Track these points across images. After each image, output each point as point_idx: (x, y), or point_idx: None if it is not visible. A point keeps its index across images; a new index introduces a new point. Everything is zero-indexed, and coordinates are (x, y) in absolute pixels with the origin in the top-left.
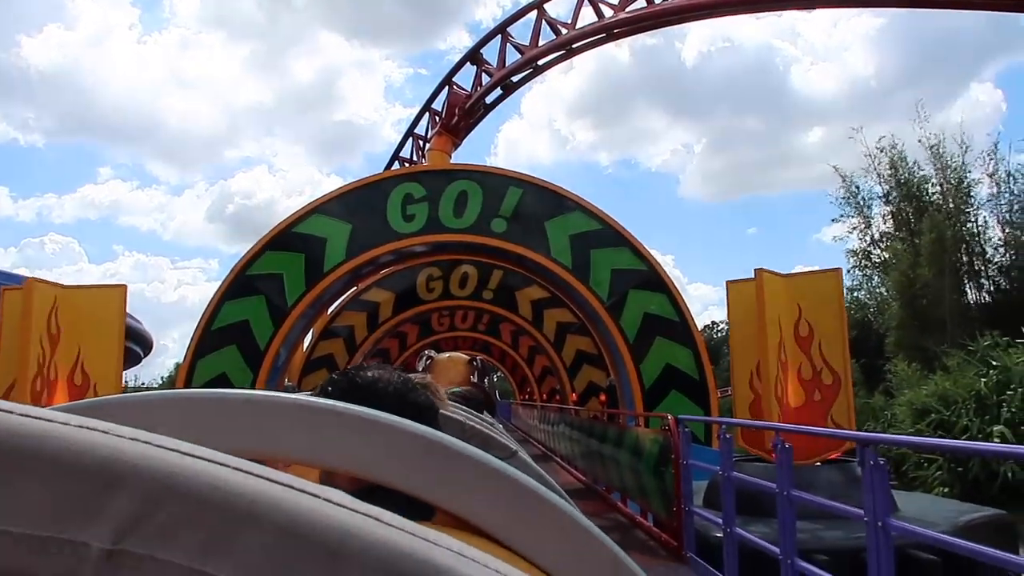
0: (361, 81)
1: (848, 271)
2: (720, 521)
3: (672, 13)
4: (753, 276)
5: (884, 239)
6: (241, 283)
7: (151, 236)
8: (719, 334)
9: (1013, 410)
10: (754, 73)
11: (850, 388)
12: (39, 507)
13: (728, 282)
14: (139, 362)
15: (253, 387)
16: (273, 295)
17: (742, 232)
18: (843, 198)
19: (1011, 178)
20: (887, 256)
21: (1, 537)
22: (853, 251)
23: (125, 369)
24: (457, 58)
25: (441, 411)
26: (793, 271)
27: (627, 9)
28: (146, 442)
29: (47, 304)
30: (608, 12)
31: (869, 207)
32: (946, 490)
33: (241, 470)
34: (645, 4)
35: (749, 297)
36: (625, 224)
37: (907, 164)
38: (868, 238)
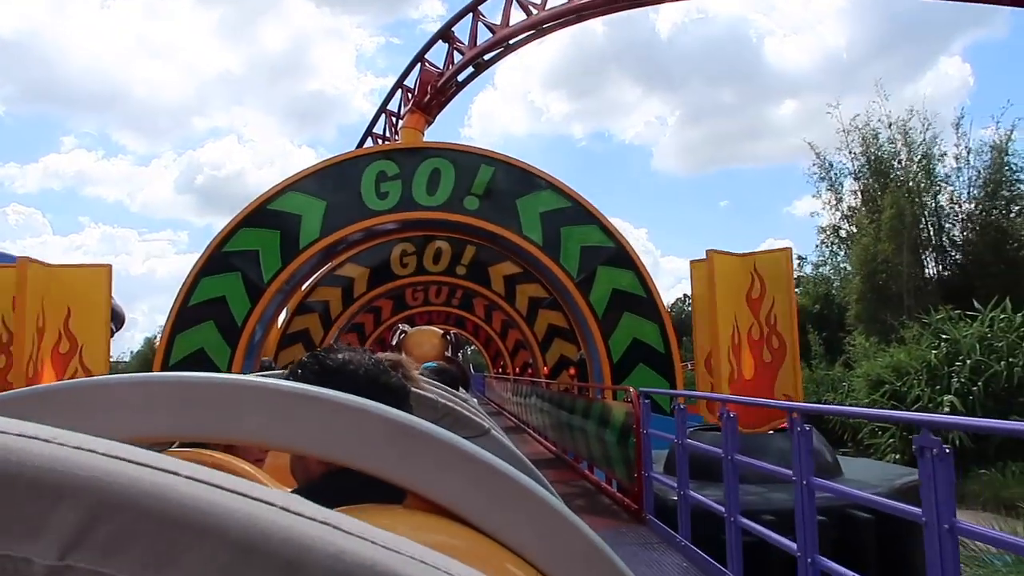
0: (332, 50)
1: (816, 246)
2: (675, 485)
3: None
4: (722, 251)
5: (852, 214)
6: (217, 259)
7: (118, 207)
8: (691, 307)
9: (962, 380)
10: (728, 45)
11: (797, 361)
12: None
13: (692, 262)
14: (112, 336)
15: (231, 363)
16: (249, 271)
17: (714, 205)
18: (816, 175)
19: (971, 154)
20: (853, 231)
21: None
22: (823, 227)
23: None
24: (429, 27)
25: (413, 391)
26: (760, 247)
27: None
28: (91, 450)
29: (41, 284)
30: None
31: (841, 184)
32: (897, 456)
33: (194, 479)
34: None
35: (711, 276)
36: (599, 197)
37: (876, 141)
38: (838, 214)
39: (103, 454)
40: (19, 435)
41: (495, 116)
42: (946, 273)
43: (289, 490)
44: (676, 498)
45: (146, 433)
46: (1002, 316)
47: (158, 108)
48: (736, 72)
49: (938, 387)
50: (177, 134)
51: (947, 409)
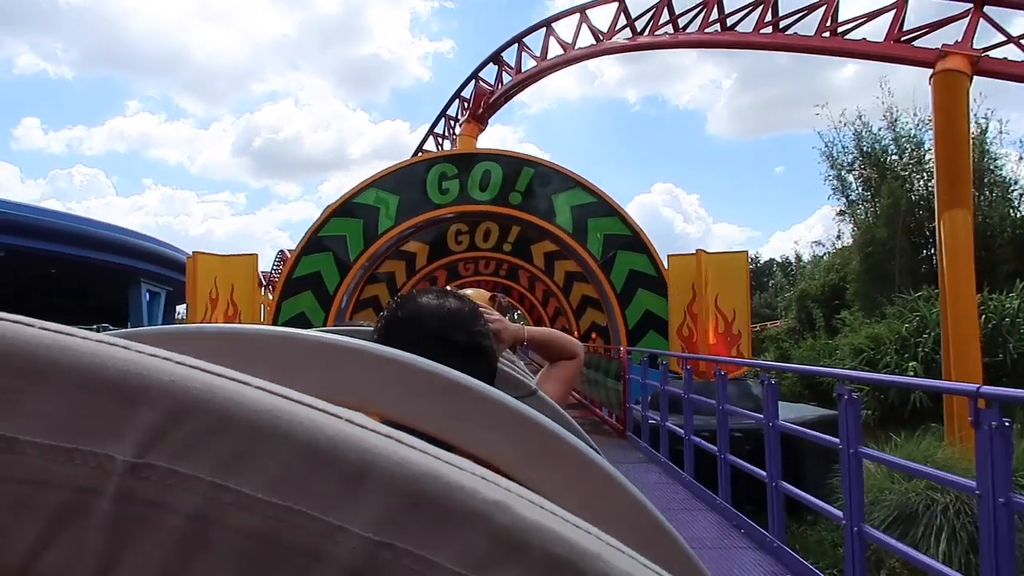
0: (387, 14)
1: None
2: (641, 412)
3: (645, 47)
4: (695, 251)
5: (859, 200)
6: (314, 242)
7: (179, 169)
8: None
9: (926, 350)
10: (786, 5)
11: (748, 330)
12: (63, 418)
13: (669, 256)
14: None
15: (324, 324)
16: (339, 252)
17: (770, 171)
18: (826, 163)
19: None
20: (860, 215)
21: (28, 447)
22: (839, 212)
23: (183, 304)
24: None
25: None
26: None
27: (612, 39)
28: (166, 358)
29: (212, 269)
30: (601, 37)
31: (847, 174)
32: (868, 412)
33: (263, 388)
34: (630, 35)
35: (686, 270)
36: (651, 162)
37: (872, 134)
38: (845, 200)
39: (178, 362)
40: (99, 341)
41: (547, 80)
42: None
43: None
44: (641, 420)
45: None
46: None
47: (218, 72)
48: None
49: (906, 355)
50: (235, 97)
51: (911, 373)
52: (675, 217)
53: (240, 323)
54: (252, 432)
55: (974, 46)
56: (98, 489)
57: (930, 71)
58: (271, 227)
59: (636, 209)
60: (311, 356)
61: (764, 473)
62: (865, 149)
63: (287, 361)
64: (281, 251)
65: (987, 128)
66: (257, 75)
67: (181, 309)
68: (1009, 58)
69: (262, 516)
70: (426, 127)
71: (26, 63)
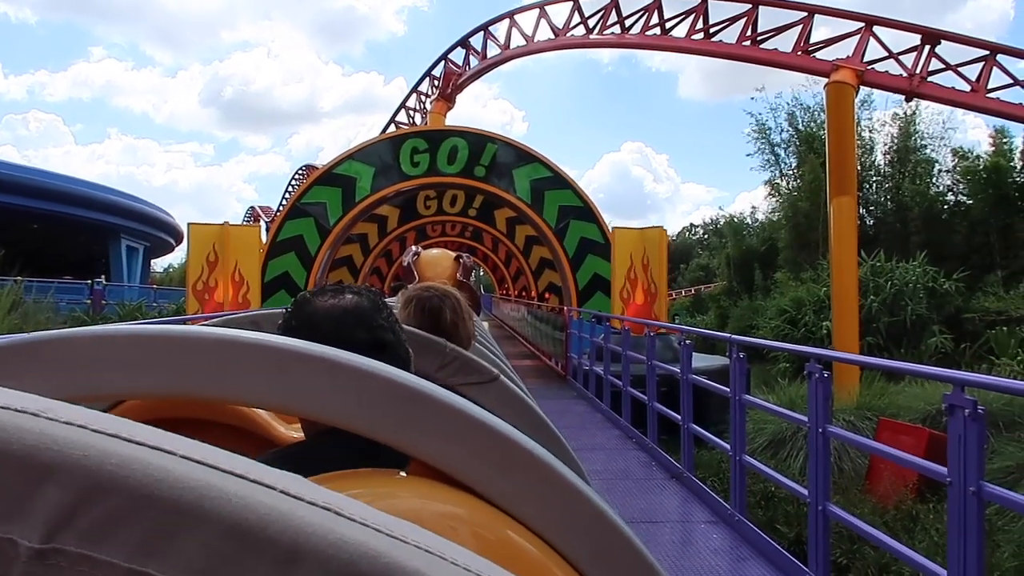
0: None
1: (765, 198)
2: (577, 359)
3: (595, 45)
4: (625, 228)
5: (791, 173)
6: (297, 209)
7: (144, 119)
8: (694, 236)
9: None
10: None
11: (664, 298)
12: None
13: (615, 228)
14: (172, 251)
15: (307, 283)
16: (319, 218)
17: (738, 132)
18: (755, 138)
19: (885, 126)
20: (789, 188)
21: None
22: (767, 182)
23: (158, 258)
24: None
25: (420, 336)
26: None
27: (567, 35)
28: (82, 426)
29: (226, 237)
30: (558, 33)
31: (776, 150)
32: (787, 364)
33: (188, 458)
34: (584, 31)
35: (628, 241)
36: (622, 123)
37: (808, 113)
38: (776, 171)
39: (95, 431)
40: (5, 408)
41: (519, 41)
42: (858, 227)
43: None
44: (578, 366)
45: (134, 390)
46: (877, 264)
47: (187, 20)
48: None
49: (822, 316)
50: (205, 46)
51: (825, 332)
52: (645, 176)
53: (247, 285)
54: (174, 511)
55: (865, 59)
56: None
57: (825, 80)
58: (237, 179)
59: (606, 167)
60: (254, 361)
61: (679, 416)
62: (800, 128)
63: (226, 368)
64: (252, 207)
65: (916, 110)
66: (228, 23)
67: (155, 263)
68: (890, 72)
69: None
70: (400, 81)
71: None
